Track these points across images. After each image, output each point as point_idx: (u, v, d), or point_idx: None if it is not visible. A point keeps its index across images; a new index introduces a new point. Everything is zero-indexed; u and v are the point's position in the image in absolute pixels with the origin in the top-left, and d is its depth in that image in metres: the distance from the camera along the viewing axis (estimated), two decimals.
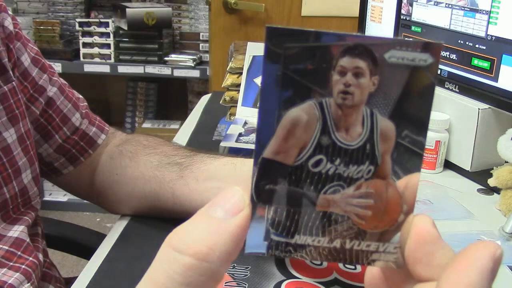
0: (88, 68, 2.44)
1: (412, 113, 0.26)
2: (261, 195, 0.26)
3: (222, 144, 0.89)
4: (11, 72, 0.63)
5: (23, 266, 0.60)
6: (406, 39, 0.25)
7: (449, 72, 0.97)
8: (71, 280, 0.63)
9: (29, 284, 0.60)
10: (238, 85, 1.02)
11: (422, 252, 0.24)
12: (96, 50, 2.45)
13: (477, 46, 0.89)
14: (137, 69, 2.44)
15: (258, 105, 0.26)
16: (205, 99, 1.38)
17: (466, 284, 0.22)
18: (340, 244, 0.27)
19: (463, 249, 0.23)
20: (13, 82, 0.63)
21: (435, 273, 0.24)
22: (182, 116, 2.34)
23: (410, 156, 0.26)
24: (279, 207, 0.26)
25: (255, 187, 0.26)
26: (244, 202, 0.24)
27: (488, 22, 0.86)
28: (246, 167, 0.61)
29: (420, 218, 0.25)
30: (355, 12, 1.24)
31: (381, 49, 0.25)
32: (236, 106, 1.01)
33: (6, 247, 0.61)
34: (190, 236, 0.24)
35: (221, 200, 0.24)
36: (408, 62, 0.25)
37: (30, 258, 0.62)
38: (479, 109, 0.88)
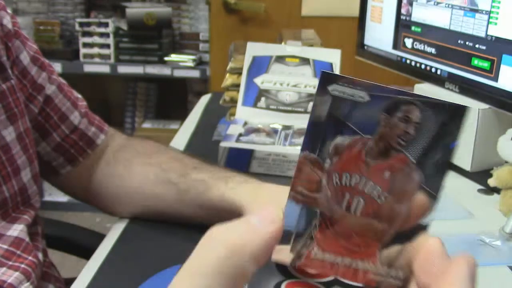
0: (88, 68, 2.43)
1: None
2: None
3: (222, 144, 0.89)
4: (9, 71, 0.63)
5: (23, 265, 0.60)
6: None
7: (449, 72, 0.97)
8: (71, 280, 0.63)
9: (28, 283, 0.60)
10: (238, 85, 1.02)
11: (429, 264, 0.29)
12: (96, 50, 2.45)
13: (477, 46, 0.89)
14: (137, 69, 2.43)
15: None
16: (205, 99, 1.38)
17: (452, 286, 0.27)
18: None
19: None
20: (12, 81, 0.63)
21: (440, 285, 0.28)
22: (182, 116, 2.33)
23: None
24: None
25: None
26: (278, 217, 0.29)
27: (488, 22, 0.86)
28: (238, 196, 0.62)
29: (432, 239, 0.29)
30: (355, 12, 1.24)
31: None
32: (236, 106, 1.01)
33: (6, 246, 0.61)
34: (228, 232, 0.28)
35: (260, 212, 0.29)
36: None
37: (30, 258, 0.62)
38: (479, 109, 0.88)
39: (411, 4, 1.05)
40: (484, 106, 0.88)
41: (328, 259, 0.30)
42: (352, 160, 0.29)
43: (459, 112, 0.28)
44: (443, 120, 0.28)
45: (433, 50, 1.00)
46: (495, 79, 0.86)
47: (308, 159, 0.29)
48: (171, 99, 2.79)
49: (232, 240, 0.28)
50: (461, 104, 0.28)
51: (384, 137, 0.28)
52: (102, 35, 2.44)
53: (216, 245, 0.27)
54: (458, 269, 0.28)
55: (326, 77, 0.28)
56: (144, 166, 0.71)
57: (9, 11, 0.66)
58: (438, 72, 1.00)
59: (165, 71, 2.42)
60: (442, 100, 0.28)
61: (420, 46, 1.04)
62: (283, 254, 0.30)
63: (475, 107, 0.88)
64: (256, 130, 0.94)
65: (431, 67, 1.02)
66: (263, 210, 0.29)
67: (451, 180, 0.99)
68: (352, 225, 0.30)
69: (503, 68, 0.85)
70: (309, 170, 0.29)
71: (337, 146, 0.29)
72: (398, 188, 0.29)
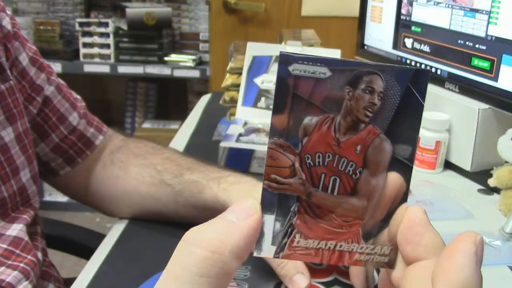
0: (88, 68, 2.44)
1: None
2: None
3: (222, 144, 0.89)
4: (8, 72, 0.63)
5: (22, 265, 0.61)
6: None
7: (449, 72, 0.97)
8: (71, 280, 0.63)
9: (27, 282, 0.60)
10: (238, 85, 1.02)
11: (412, 233, 0.28)
12: (96, 50, 2.45)
13: (477, 46, 0.89)
14: (137, 69, 2.44)
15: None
16: (205, 99, 1.38)
17: (457, 267, 0.25)
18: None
19: (450, 241, 0.26)
20: (11, 81, 0.63)
21: (422, 252, 0.27)
22: (182, 116, 2.34)
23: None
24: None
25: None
26: (254, 209, 0.28)
27: (488, 22, 0.86)
28: (229, 197, 0.62)
29: (413, 207, 0.29)
30: (355, 12, 1.24)
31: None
32: (236, 106, 1.01)
33: (5, 246, 0.61)
34: (205, 232, 0.27)
35: (235, 207, 0.28)
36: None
37: (29, 257, 0.62)
38: (479, 109, 0.88)
39: (411, 4, 1.05)
40: (484, 106, 0.88)
41: (312, 245, 0.29)
42: (322, 139, 0.28)
43: (420, 75, 0.28)
44: (406, 85, 0.28)
45: (433, 50, 1.00)
46: (495, 79, 0.86)
47: (278, 144, 0.28)
48: (171, 99, 2.79)
49: (210, 240, 0.27)
50: (421, 67, 0.29)
51: (351, 111, 0.28)
52: (102, 35, 2.45)
53: (195, 247, 0.26)
54: (462, 246, 0.25)
55: (285, 58, 0.27)
56: (139, 167, 0.72)
57: (8, 12, 0.67)
58: (438, 72, 1.00)
59: (165, 71, 2.42)
60: (402, 66, 0.28)
61: (420, 46, 1.04)
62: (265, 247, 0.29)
63: (475, 107, 0.88)
64: (256, 130, 0.94)
65: (431, 67, 1.01)
66: (238, 205, 0.28)
67: (451, 180, 0.99)
68: (331, 206, 0.29)
69: (503, 68, 0.85)
70: (280, 156, 0.28)
71: (306, 127, 0.28)
72: (371, 161, 0.29)
